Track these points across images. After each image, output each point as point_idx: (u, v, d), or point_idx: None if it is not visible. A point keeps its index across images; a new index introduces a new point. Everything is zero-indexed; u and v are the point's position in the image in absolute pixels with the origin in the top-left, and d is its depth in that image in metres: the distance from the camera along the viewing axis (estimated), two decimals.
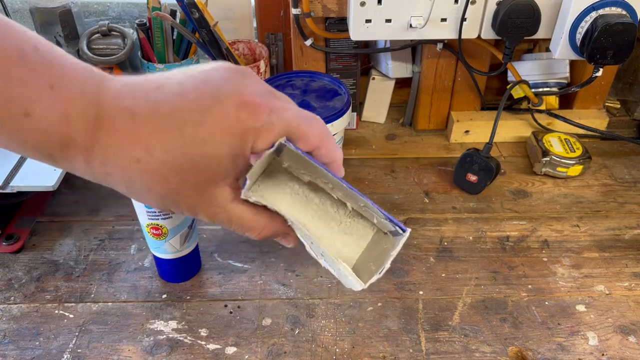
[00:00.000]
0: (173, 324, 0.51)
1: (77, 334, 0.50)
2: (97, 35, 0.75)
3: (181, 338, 0.50)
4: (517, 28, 0.60)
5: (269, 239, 0.34)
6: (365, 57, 0.80)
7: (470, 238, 0.60)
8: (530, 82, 0.72)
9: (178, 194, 0.29)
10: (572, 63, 0.74)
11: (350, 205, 0.35)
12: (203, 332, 0.50)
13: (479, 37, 0.64)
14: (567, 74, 0.74)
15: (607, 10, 0.56)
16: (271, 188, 0.35)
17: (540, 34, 0.61)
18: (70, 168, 0.29)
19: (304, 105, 0.61)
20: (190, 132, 0.27)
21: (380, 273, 0.32)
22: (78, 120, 0.26)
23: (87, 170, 0.28)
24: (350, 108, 0.61)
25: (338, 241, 0.36)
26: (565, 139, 0.70)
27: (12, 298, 0.53)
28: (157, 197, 0.29)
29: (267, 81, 0.64)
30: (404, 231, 0.33)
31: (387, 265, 0.32)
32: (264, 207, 0.32)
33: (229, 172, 0.30)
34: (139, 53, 0.74)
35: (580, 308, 0.52)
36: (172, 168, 0.28)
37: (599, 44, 0.56)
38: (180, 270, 0.54)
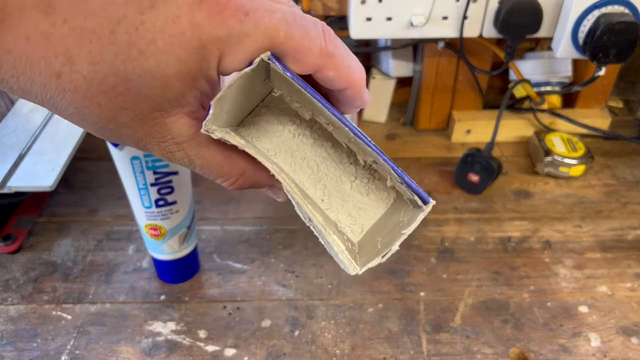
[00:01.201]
0: (172, 325, 0.50)
1: (75, 335, 0.49)
2: None
3: (180, 339, 0.49)
4: (519, 27, 0.60)
5: (250, 188, 0.27)
6: (366, 56, 0.79)
7: (472, 238, 0.60)
8: (532, 81, 0.71)
9: (116, 123, 0.22)
10: (575, 62, 0.74)
11: (361, 157, 0.26)
12: (202, 334, 0.50)
13: (480, 35, 0.63)
14: (570, 73, 0.73)
15: (609, 9, 0.56)
16: (266, 127, 0.27)
17: (542, 33, 0.61)
18: None
19: None
20: (124, 39, 0.20)
21: (383, 257, 0.24)
22: None
23: (2, 85, 0.21)
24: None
25: (349, 202, 0.27)
26: (567, 138, 0.70)
27: (10, 299, 0.53)
28: (92, 125, 0.22)
29: None
30: (425, 203, 0.24)
31: (395, 248, 0.24)
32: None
33: (185, 97, 0.22)
34: None
35: (583, 309, 0.52)
36: (102, 88, 0.21)
37: (602, 42, 0.56)
38: (179, 271, 0.54)
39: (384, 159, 0.24)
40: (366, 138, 0.24)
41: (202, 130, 0.23)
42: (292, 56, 0.22)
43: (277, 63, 0.22)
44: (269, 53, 0.22)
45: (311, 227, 0.25)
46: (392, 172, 0.24)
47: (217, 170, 0.25)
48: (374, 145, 0.24)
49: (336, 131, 0.25)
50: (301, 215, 0.26)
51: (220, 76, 0.23)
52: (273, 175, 0.25)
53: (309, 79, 0.24)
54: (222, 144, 0.24)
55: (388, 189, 0.27)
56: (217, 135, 0.23)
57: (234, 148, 0.24)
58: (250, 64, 0.22)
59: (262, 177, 0.26)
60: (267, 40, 0.21)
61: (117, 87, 0.21)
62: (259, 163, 0.24)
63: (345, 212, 0.27)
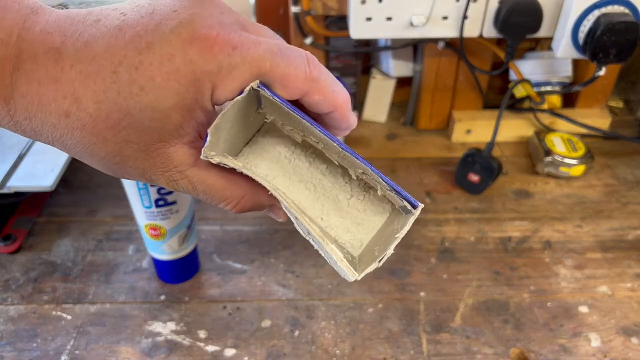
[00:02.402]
0: (171, 326, 0.50)
1: (74, 335, 0.49)
2: None
3: (180, 339, 0.49)
4: (519, 26, 0.60)
5: (252, 211, 0.28)
6: (366, 55, 0.79)
7: (472, 239, 0.60)
8: (532, 81, 0.71)
9: (122, 156, 0.24)
10: (575, 62, 0.74)
11: (352, 172, 0.27)
12: (202, 334, 0.50)
13: (480, 35, 0.63)
14: (570, 73, 0.73)
15: (609, 9, 0.56)
16: (262, 154, 0.28)
17: (542, 33, 0.61)
18: None
19: None
20: (125, 78, 0.22)
21: (379, 262, 0.26)
22: None
23: (15, 127, 0.23)
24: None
25: (347, 219, 0.29)
26: (567, 138, 0.70)
27: (10, 299, 0.53)
28: (100, 161, 0.24)
29: None
30: (414, 207, 0.27)
31: (390, 252, 0.26)
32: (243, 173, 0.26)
33: (184, 127, 0.24)
34: None
35: (583, 309, 0.52)
36: (107, 124, 0.22)
37: (602, 42, 0.56)
38: (179, 271, 0.54)
39: (371, 169, 0.26)
40: (354, 152, 0.25)
41: (201, 157, 0.24)
42: (279, 83, 0.24)
43: (265, 90, 0.24)
44: (257, 81, 0.23)
45: (310, 241, 0.27)
46: (381, 180, 0.26)
47: (219, 194, 0.26)
48: (361, 158, 0.26)
49: (326, 148, 0.27)
50: (300, 231, 0.27)
51: (215, 106, 0.24)
52: (272, 196, 0.26)
53: (298, 105, 0.25)
54: (222, 169, 0.26)
55: (383, 203, 0.29)
56: (215, 160, 0.24)
57: (233, 172, 0.26)
58: (241, 92, 0.23)
59: (262, 198, 0.27)
60: (255, 69, 0.23)
61: (121, 121, 0.22)
62: (259, 185, 0.26)
63: (344, 228, 0.29)
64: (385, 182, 0.26)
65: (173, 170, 0.25)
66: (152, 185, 0.45)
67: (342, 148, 0.25)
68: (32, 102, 0.22)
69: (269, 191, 0.26)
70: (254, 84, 0.23)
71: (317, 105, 0.25)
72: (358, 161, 0.25)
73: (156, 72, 0.22)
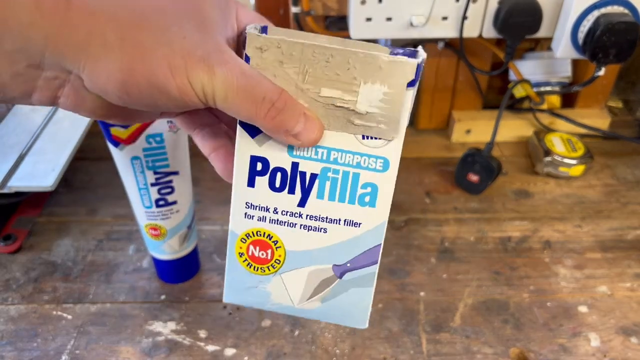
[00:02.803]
0: (172, 325, 0.50)
1: (75, 335, 0.49)
2: None
3: (180, 339, 0.49)
4: (519, 27, 0.60)
5: (283, 124, 0.26)
6: None
7: (472, 239, 0.60)
8: (532, 81, 0.71)
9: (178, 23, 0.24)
10: (574, 62, 0.74)
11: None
12: (202, 334, 0.50)
13: (480, 35, 0.63)
14: (569, 73, 0.74)
15: (609, 9, 0.56)
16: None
17: (542, 33, 0.61)
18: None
19: None
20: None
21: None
22: None
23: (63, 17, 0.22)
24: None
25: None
26: (567, 138, 0.70)
27: (10, 299, 0.53)
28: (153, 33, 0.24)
29: None
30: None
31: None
32: None
33: (221, 23, 0.26)
34: None
35: (583, 309, 0.52)
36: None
37: (602, 42, 0.56)
38: (179, 271, 0.54)
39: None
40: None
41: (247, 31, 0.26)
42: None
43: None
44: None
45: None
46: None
47: (264, 83, 0.25)
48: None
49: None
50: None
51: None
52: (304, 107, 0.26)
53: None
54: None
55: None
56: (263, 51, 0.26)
57: None
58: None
59: (297, 104, 0.26)
60: None
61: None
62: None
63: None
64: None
65: (225, 52, 0.24)
66: (152, 185, 0.45)
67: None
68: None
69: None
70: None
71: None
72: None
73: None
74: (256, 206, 0.30)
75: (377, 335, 0.50)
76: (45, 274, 0.56)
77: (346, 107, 0.27)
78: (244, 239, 0.32)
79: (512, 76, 0.74)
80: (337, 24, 0.67)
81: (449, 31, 0.62)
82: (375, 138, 0.27)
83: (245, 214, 0.31)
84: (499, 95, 0.80)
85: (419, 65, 0.25)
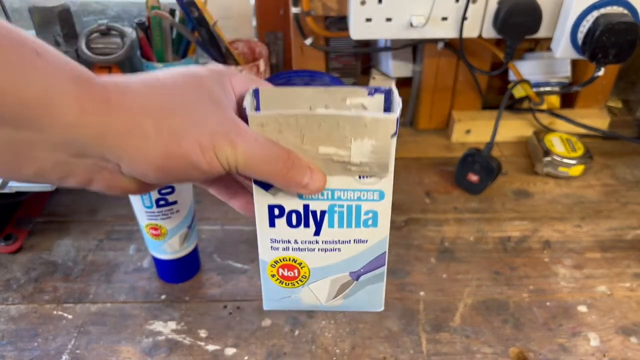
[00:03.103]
0: (172, 325, 0.51)
1: (75, 334, 0.50)
2: (96, 34, 0.74)
3: (180, 339, 0.49)
4: (519, 27, 0.60)
5: (293, 179, 0.30)
6: (366, 56, 0.79)
7: (472, 238, 0.60)
8: (531, 81, 0.71)
9: (198, 111, 0.28)
10: (574, 62, 0.74)
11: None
12: (202, 333, 0.50)
13: (480, 36, 0.63)
14: (569, 74, 0.74)
15: (608, 10, 0.56)
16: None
17: (541, 33, 0.61)
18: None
19: None
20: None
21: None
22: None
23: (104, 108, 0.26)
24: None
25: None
26: (566, 138, 0.70)
27: (11, 299, 0.53)
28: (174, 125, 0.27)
29: (267, 80, 0.63)
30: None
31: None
32: None
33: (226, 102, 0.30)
34: (138, 52, 0.74)
35: (582, 309, 0.52)
36: (180, 83, 0.28)
37: (601, 43, 0.56)
38: (180, 271, 0.54)
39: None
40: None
41: (248, 114, 0.29)
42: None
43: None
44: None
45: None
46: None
47: (274, 151, 0.29)
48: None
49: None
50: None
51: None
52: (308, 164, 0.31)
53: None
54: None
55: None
56: (262, 114, 0.29)
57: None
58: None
59: (301, 159, 0.30)
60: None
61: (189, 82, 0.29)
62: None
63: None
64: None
65: (239, 124, 0.28)
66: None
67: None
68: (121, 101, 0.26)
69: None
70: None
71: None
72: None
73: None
74: (279, 240, 0.36)
75: (377, 334, 0.50)
76: (46, 273, 0.56)
77: (342, 161, 0.32)
78: (274, 265, 0.38)
79: (512, 76, 0.74)
80: (337, 24, 0.68)
81: (448, 31, 0.63)
82: (370, 176, 0.32)
83: (271, 247, 0.36)
84: (498, 96, 0.80)
85: (397, 118, 0.30)
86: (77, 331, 0.50)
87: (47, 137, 0.25)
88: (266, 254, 0.37)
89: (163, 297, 0.53)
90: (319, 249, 0.36)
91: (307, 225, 0.35)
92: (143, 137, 0.26)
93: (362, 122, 0.30)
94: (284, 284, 0.39)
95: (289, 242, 0.36)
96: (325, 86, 0.34)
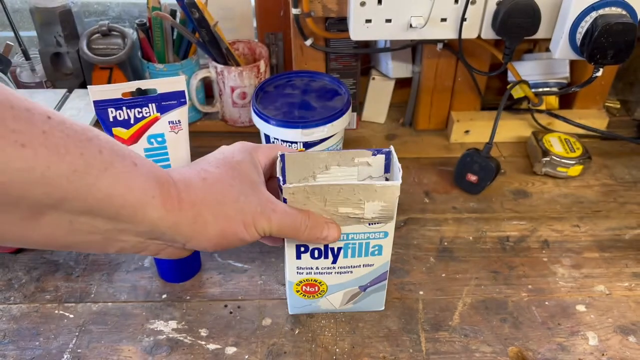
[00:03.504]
0: (173, 324, 0.51)
1: (77, 334, 0.50)
2: (97, 35, 0.75)
3: (181, 338, 0.50)
4: (517, 28, 0.60)
5: (314, 233, 0.40)
6: (366, 57, 0.80)
7: (471, 238, 0.60)
8: (530, 82, 0.72)
9: (242, 192, 0.37)
10: (572, 63, 0.74)
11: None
12: (203, 332, 0.50)
13: (479, 37, 0.64)
14: (567, 74, 0.74)
15: (607, 10, 0.56)
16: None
17: (540, 34, 0.61)
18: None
19: (304, 105, 0.61)
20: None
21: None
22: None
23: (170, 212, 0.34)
24: (351, 108, 0.61)
25: None
26: (565, 139, 0.70)
27: (12, 298, 0.53)
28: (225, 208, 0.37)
29: (267, 81, 0.64)
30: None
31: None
32: None
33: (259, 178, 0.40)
34: (139, 53, 0.74)
35: (581, 308, 0.52)
36: (229, 175, 0.38)
37: (599, 43, 0.56)
38: (180, 271, 0.54)
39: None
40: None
41: (283, 186, 0.39)
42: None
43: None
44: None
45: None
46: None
47: (297, 214, 0.39)
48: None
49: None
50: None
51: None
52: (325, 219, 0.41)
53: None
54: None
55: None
56: (292, 189, 0.39)
57: None
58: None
59: (320, 216, 0.41)
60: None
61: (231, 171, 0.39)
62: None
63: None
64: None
65: (272, 200, 0.38)
66: None
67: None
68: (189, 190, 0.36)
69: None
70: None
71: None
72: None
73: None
74: (303, 267, 0.46)
75: (376, 334, 0.50)
76: (47, 273, 0.56)
77: (357, 217, 0.41)
78: (298, 284, 0.48)
79: (511, 77, 0.74)
80: (336, 26, 0.68)
81: (448, 32, 0.63)
82: (378, 223, 0.42)
83: (297, 272, 0.46)
84: (497, 96, 0.81)
85: (400, 184, 0.40)
86: (79, 330, 0.50)
87: (135, 228, 0.33)
88: (293, 277, 0.47)
89: (164, 296, 0.54)
90: (335, 272, 0.46)
91: (326, 257, 0.45)
92: (204, 224, 0.35)
93: (373, 189, 0.39)
94: (306, 296, 0.49)
95: (312, 268, 0.46)
96: (337, 150, 0.49)
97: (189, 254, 0.40)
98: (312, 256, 0.45)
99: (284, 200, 0.39)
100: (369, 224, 0.42)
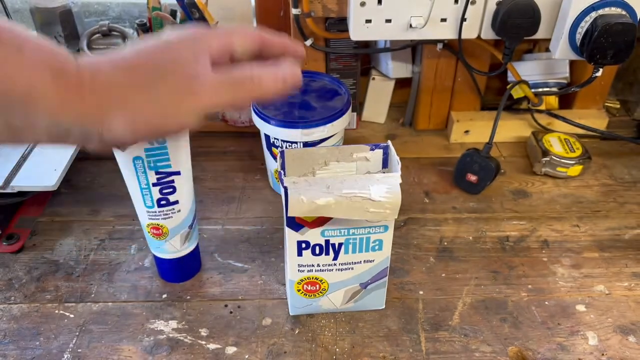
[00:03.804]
0: (173, 324, 0.51)
1: (77, 333, 0.50)
2: (97, 35, 0.75)
3: (181, 338, 0.50)
4: (517, 28, 0.60)
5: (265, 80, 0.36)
6: (365, 57, 0.80)
7: (470, 238, 0.60)
8: (530, 82, 0.72)
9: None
10: (572, 63, 0.74)
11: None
12: (203, 332, 0.50)
13: (478, 37, 0.64)
14: (567, 74, 0.74)
15: (606, 11, 0.56)
16: None
17: (540, 34, 0.61)
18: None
19: (304, 105, 0.61)
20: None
21: None
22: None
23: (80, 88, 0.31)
24: (351, 108, 0.61)
25: None
26: (565, 139, 0.70)
27: (13, 298, 0.53)
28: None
29: None
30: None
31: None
32: None
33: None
34: None
35: (580, 308, 0.52)
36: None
37: (599, 44, 0.56)
38: (181, 270, 0.54)
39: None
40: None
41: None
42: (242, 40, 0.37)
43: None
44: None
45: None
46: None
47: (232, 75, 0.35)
48: None
49: None
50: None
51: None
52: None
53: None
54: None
55: None
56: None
57: None
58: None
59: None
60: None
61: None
62: None
63: None
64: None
65: (194, 82, 0.33)
66: (154, 185, 0.46)
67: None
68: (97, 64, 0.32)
69: None
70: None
71: (272, 47, 0.37)
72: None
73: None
74: (304, 265, 0.46)
75: (376, 333, 0.50)
76: (48, 273, 0.56)
77: (363, 196, 0.40)
78: (299, 282, 0.47)
79: (511, 77, 0.74)
80: (336, 26, 0.68)
81: (447, 33, 0.63)
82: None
83: (298, 270, 0.46)
84: (497, 96, 0.81)
85: (400, 175, 0.41)
86: (79, 330, 0.50)
87: (36, 122, 0.30)
88: (294, 275, 0.46)
89: (164, 296, 0.54)
90: (336, 269, 0.46)
91: (327, 253, 0.45)
92: (113, 112, 0.31)
93: (377, 177, 0.41)
94: (307, 295, 0.48)
95: (312, 266, 0.46)
96: (336, 146, 0.51)
97: (122, 149, 0.40)
98: (313, 252, 0.45)
99: (285, 190, 0.40)
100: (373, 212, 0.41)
